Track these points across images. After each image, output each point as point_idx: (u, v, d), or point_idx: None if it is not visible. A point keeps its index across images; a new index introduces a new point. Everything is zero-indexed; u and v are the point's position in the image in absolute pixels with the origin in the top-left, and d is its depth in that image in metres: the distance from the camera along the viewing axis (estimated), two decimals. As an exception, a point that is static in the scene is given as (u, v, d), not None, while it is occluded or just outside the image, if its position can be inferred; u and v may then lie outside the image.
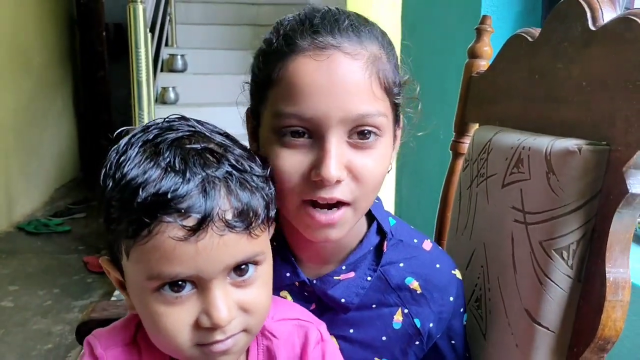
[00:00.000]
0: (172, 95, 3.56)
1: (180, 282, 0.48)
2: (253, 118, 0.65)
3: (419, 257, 0.68)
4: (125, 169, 0.48)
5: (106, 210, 0.50)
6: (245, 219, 0.48)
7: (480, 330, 0.71)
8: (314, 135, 0.56)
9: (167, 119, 0.54)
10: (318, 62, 0.55)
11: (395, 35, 2.00)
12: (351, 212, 0.58)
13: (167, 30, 3.92)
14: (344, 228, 0.59)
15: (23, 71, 3.98)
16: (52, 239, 3.50)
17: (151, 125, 0.52)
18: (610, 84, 0.57)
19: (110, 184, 0.50)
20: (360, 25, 0.58)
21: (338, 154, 0.55)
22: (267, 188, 0.52)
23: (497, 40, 0.88)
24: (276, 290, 0.63)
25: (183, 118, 0.54)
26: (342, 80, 0.55)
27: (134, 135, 0.52)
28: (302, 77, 0.55)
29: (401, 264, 0.67)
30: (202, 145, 0.49)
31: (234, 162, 0.49)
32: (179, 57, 3.79)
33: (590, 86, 0.60)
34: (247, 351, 0.57)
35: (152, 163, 0.48)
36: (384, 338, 0.66)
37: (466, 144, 0.89)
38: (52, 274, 2.90)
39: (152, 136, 0.51)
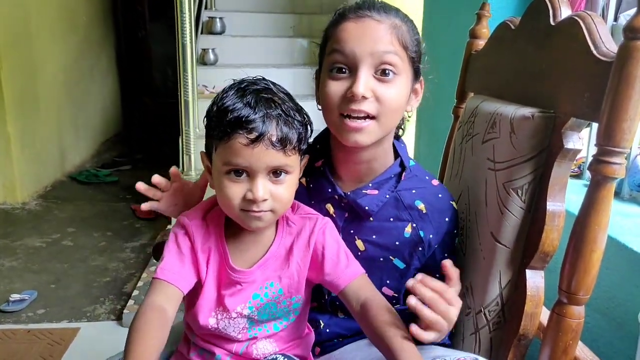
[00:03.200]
0: (211, 56, 3.72)
1: (240, 171, 0.76)
2: (317, 78, 0.92)
3: (427, 188, 0.93)
4: (224, 100, 0.76)
5: (208, 124, 0.79)
6: (283, 142, 0.75)
7: (462, 250, 0.94)
8: (351, 70, 0.82)
9: (254, 78, 0.81)
10: (356, 24, 0.83)
11: (418, 13, 2.18)
12: (375, 125, 0.83)
13: (206, -7, 4.08)
14: (370, 136, 0.83)
15: (71, 29, 4.18)
16: (101, 188, 3.80)
17: (244, 80, 0.80)
18: (559, 67, 0.77)
19: (214, 108, 0.78)
20: (388, 7, 0.86)
21: (365, 80, 0.81)
22: (303, 129, 0.78)
23: (501, 19, 1.03)
24: (322, 202, 0.92)
25: (264, 79, 0.81)
26: (370, 33, 0.82)
27: (233, 84, 0.80)
28: (346, 31, 0.83)
29: (413, 191, 0.91)
30: (269, 95, 0.77)
31: (284, 109, 0.76)
32: (217, 19, 3.93)
33: (548, 68, 0.80)
34: (277, 231, 0.86)
35: (238, 100, 0.76)
36: (397, 243, 0.91)
37: (464, 109, 1.10)
38: (104, 219, 3.20)
39: (243, 85, 0.78)
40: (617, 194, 1.31)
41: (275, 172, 0.77)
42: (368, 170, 0.91)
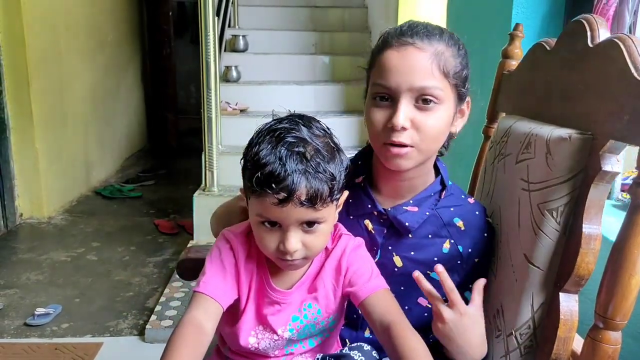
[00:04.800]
0: (234, 73, 3.77)
1: (273, 222, 0.77)
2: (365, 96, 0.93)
3: (464, 206, 0.95)
4: (259, 150, 0.76)
5: (244, 169, 0.79)
6: (312, 200, 0.74)
7: (493, 272, 0.93)
8: (392, 99, 0.84)
9: (290, 119, 0.79)
10: (399, 53, 0.84)
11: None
12: (415, 152, 0.85)
13: (230, 12, 4.14)
14: (410, 161, 0.86)
15: (98, 48, 4.28)
16: (125, 203, 3.85)
17: (280, 127, 0.77)
18: (597, 89, 0.76)
19: (249, 154, 0.77)
20: (432, 31, 0.86)
21: (405, 111, 0.83)
22: (335, 182, 0.76)
23: (532, 41, 1.03)
24: (361, 218, 0.93)
25: (301, 121, 0.79)
26: (410, 64, 0.83)
27: (270, 127, 0.78)
28: (388, 61, 0.85)
29: (452, 209, 0.94)
30: (301, 149, 0.74)
31: (314, 165, 0.74)
32: (240, 37, 3.98)
33: (585, 90, 0.79)
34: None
35: (271, 152, 0.74)
36: (435, 259, 0.91)
37: (495, 128, 1.09)
38: (127, 233, 3.23)
39: (277, 133, 0.76)
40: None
41: (308, 223, 0.77)
42: (409, 187, 0.93)
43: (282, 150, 0.74)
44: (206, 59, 2.89)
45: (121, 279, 2.64)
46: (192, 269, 1.12)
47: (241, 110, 3.52)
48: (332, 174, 0.76)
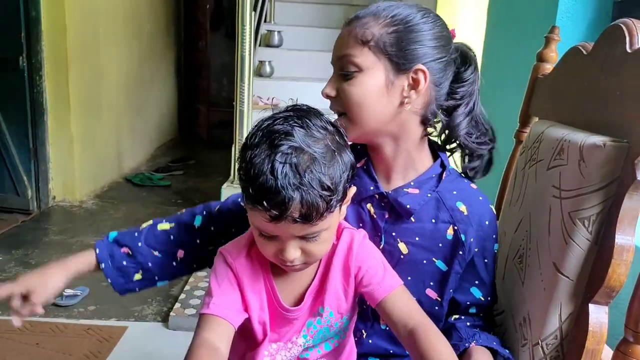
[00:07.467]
0: (267, 68, 3.80)
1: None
2: None
3: (467, 190, 0.93)
4: (252, 155, 0.70)
5: (239, 170, 0.74)
6: (307, 217, 0.69)
7: (520, 279, 0.91)
8: None
9: (288, 118, 0.73)
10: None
11: (480, 31, 2.15)
12: (346, 120, 0.88)
13: (266, 7, 4.17)
14: (346, 130, 0.83)
15: (135, 38, 4.36)
16: (154, 191, 3.92)
17: (277, 122, 0.72)
18: (634, 96, 0.74)
19: (244, 157, 0.72)
20: (367, 10, 0.88)
21: (332, 82, 0.89)
22: (334, 193, 0.71)
23: (569, 43, 1.01)
24: (363, 202, 0.91)
25: (299, 118, 0.73)
26: (337, 42, 0.89)
27: (267, 127, 0.73)
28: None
29: (454, 192, 0.92)
30: (296, 160, 0.68)
31: (309, 178, 0.68)
32: (275, 33, 4.01)
33: (622, 96, 0.77)
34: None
35: (264, 162, 0.69)
36: (440, 245, 0.91)
37: (527, 133, 1.07)
38: (155, 221, 3.29)
39: (272, 137, 0.70)
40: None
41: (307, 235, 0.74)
42: (396, 167, 0.92)
43: (276, 163, 0.68)
44: (241, 53, 2.92)
45: (147, 265, 2.68)
46: (217, 259, 1.13)
47: (273, 105, 3.54)
48: (329, 186, 0.70)
